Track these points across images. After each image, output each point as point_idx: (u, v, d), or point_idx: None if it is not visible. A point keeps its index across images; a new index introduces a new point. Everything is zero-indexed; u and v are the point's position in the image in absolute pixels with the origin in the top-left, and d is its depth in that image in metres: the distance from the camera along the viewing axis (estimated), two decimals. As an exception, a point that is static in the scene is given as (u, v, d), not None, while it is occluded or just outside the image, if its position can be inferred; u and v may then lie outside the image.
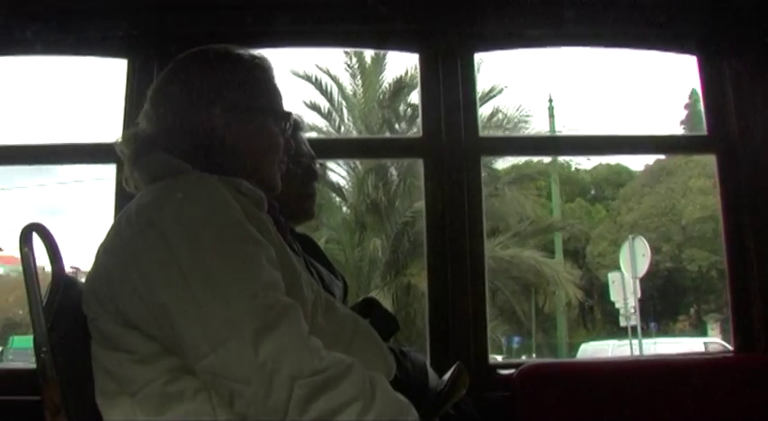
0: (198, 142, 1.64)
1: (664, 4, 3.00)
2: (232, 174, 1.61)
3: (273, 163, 1.73)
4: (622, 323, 18.98)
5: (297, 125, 2.31)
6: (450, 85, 2.95)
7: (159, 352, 1.42)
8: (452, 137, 2.92)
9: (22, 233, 1.63)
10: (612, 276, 19.55)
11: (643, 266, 17.51)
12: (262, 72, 1.75)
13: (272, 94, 1.75)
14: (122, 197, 2.62)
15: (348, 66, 17.57)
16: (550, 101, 22.65)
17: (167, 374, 1.42)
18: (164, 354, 1.42)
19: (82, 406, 1.53)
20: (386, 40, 3.22)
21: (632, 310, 18.22)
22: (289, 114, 1.77)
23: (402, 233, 16.77)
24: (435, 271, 2.88)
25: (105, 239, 1.55)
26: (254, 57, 1.76)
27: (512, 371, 2.74)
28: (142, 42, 2.95)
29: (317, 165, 2.38)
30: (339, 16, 3.01)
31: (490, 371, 2.78)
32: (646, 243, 17.66)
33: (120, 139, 1.74)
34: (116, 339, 1.46)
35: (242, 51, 1.77)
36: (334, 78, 17.60)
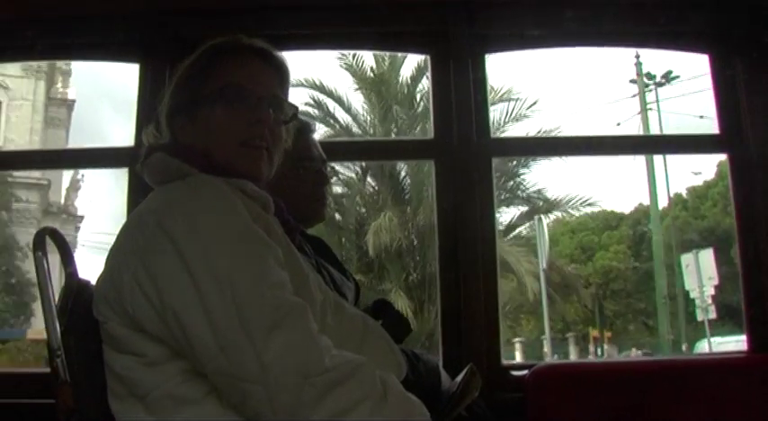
0: (178, 146, 1.65)
1: (675, 4, 3.00)
2: (231, 173, 1.59)
3: (229, 145, 1.62)
4: (699, 317, 16.84)
5: (308, 128, 2.30)
6: (461, 87, 2.95)
7: (169, 355, 1.43)
8: (463, 138, 2.92)
9: (35, 237, 1.64)
10: (685, 259, 17.20)
11: (545, 254, 16.40)
12: (213, 56, 1.68)
13: (222, 74, 1.65)
14: (134, 200, 2.64)
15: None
16: (637, 56, 20.89)
17: (177, 377, 1.42)
18: (173, 357, 1.43)
19: (95, 408, 1.54)
20: (398, 42, 3.23)
21: (709, 301, 16.23)
22: (240, 86, 1.64)
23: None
24: (447, 272, 2.87)
25: (115, 242, 1.55)
26: (214, 43, 1.71)
27: (524, 372, 2.73)
28: (153, 47, 2.97)
29: (328, 169, 2.36)
30: (351, 19, 3.01)
31: (503, 372, 2.78)
32: (545, 226, 16.60)
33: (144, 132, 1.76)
34: (126, 342, 1.47)
35: (210, 42, 1.72)
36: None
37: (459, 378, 1.88)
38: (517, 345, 23.63)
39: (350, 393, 1.34)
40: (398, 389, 1.44)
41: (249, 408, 1.35)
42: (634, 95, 20.58)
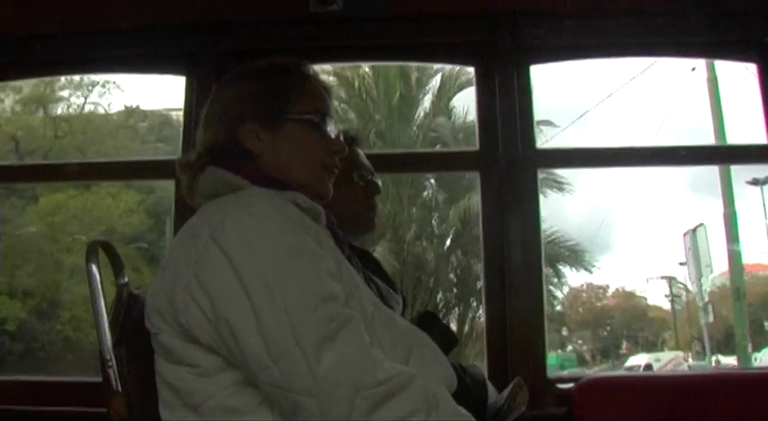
0: (240, 157, 1.66)
1: (722, 13, 2.97)
2: (284, 185, 1.62)
3: (313, 169, 1.70)
4: (701, 319, 13.98)
5: (354, 140, 2.31)
6: (506, 98, 2.94)
7: (221, 365, 1.44)
8: (509, 149, 2.91)
9: (87, 249, 1.67)
10: (687, 241, 13.26)
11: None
12: (292, 78, 1.74)
13: (304, 99, 1.72)
14: (181, 213, 2.67)
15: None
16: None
17: (229, 388, 1.43)
18: (226, 368, 1.44)
19: (146, 418, 1.56)
20: (443, 54, 3.23)
21: (706, 298, 13.39)
22: (324, 115, 1.73)
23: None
24: (493, 284, 2.86)
25: (168, 255, 1.58)
26: (284, 64, 1.76)
27: (570, 385, 2.71)
28: (199, 59, 3.01)
29: (377, 180, 2.37)
30: (395, 31, 3.02)
31: (548, 385, 2.76)
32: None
33: (179, 156, 1.77)
34: (179, 353, 1.48)
35: (275, 61, 1.78)
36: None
37: (506, 391, 1.87)
38: None
39: (402, 406, 1.35)
40: (450, 402, 1.45)
41: (300, 420, 1.36)
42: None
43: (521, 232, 2.86)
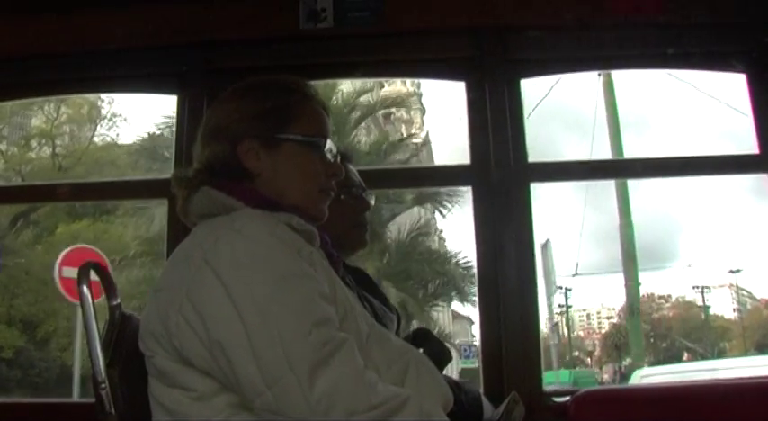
0: (236, 176, 1.65)
1: (710, 24, 2.98)
2: (278, 207, 1.62)
3: (310, 191, 1.70)
4: (550, 340, 13.34)
5: (345, 156, 2.31)
6: (497, 113, 2.94)
7: (216, 389, 1.43)
8: (501, 164, 2.91)
9: (79, 271, 1.66)
10: (540, 258, 12.77)
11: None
12: (294, 98, 1.73)
13: (306, 120, 1.71)
14: (174, 233, 2.67)
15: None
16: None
17: (225, 411, 1.43)
18: (221, 391, 1.43)
19: (140, 441, 1.54)
20: (431, 69, 3.23)
21: (554, 319, 12.90)
22: (324, 138, 1.72)
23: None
24: (487, 298, 2.85)
25: (161, 277, 1.57)
26: (286, 83, 1.76)
27: (567, 398, 2.70)
28: (190, 78, 3.01)
29: (369, 196, 2.36)
30: (385, 47, 3.03)
31: (545, 398, 2.75)
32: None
33: (173, 176, 1.76)
34: (173, 376, 1.47)
35: (277, 79, 1.77)
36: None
37: (501, 407, 1.87)
38: None
39: None
40: None
41: None
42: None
43: (514, 246, 2.85)
